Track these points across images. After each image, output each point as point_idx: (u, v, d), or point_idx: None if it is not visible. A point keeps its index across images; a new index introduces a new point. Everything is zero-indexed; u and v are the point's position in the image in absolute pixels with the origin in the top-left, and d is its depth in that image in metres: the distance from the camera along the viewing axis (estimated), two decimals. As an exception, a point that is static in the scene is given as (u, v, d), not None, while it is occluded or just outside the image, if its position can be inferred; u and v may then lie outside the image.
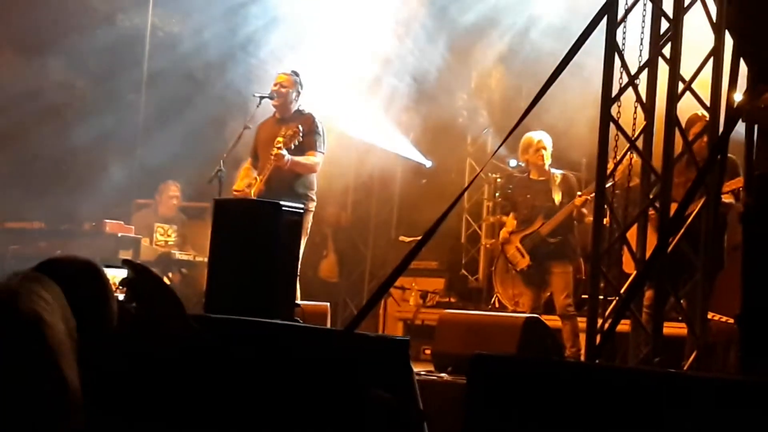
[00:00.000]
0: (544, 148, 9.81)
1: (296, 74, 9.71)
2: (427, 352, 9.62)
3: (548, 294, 10.01)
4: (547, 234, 9.77)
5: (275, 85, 9.62)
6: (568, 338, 9.37)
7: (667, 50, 7.37)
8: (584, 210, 9.61)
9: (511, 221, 10.25)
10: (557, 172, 9.91)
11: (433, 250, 12.02)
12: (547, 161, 9.85)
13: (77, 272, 2.70)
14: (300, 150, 9.31)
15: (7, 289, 2.11)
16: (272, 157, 9.19)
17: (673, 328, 8.03)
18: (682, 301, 7.45)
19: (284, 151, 9.14)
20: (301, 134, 9.19)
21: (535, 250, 9.85)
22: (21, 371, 2.02)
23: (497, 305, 11.41)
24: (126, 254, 10.79)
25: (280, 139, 9.23)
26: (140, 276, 2.83)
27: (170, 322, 2.73)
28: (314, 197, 9.46)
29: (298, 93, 9.67)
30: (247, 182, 9.54)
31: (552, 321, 9.62)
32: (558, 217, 9.74)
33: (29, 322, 2.07)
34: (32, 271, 2.24)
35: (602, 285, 7.39)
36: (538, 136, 9.88)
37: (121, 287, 2.81)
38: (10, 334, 2.04)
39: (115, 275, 2.88)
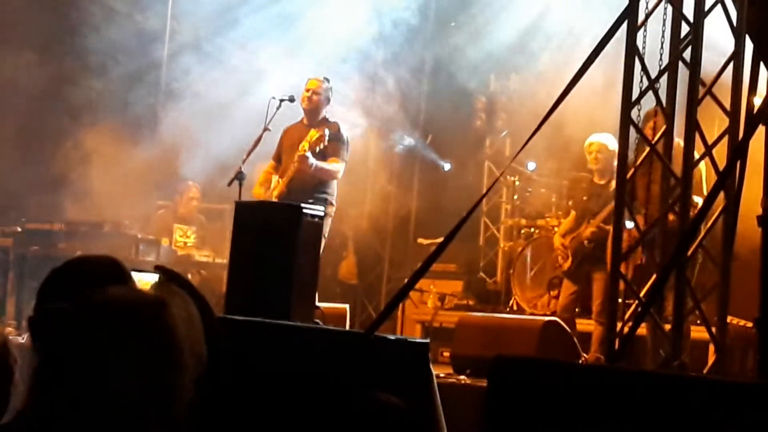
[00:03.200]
0: (599, 152, 9.72)
1: (327, 80, 9.75)
2: (446, 354, 9.63)
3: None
4: (586, 237, 9.73)
5: (307, 91, 9.64)
6: (594, 342, 9.34)
7: (687, 54, 7.37)
8: None
9: (568, 222, 10.18)
10: None
11: (451, 253, 11.99)
12: (605, 164, 9.75)
13: (101, 270, 2.74)
14: (323, 156, 9.36)
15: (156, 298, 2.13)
16: (296, 159, 9.23)
17: (693, 332, 8.03)
18: (701, 305, 7.44)
19: (309, 154, 9.19)
20: (327, 138, 9.23)
21: (575, 252, 9.81)
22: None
23: (515, 308, 11.43)
24: (145, 256, 10.84)
25: (305, 144, 9.29)
26: (171, 281, 2.84)
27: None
28: (334, 202, 9.51)
29: (329, 100, 9.72)
30: (266, 188, 9.59)
31: (582, 325, 9.69)
32: (594, 222, 9.71)
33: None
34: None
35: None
36: (592, 139, 9.80)
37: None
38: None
39: (146, 280, 2.90)
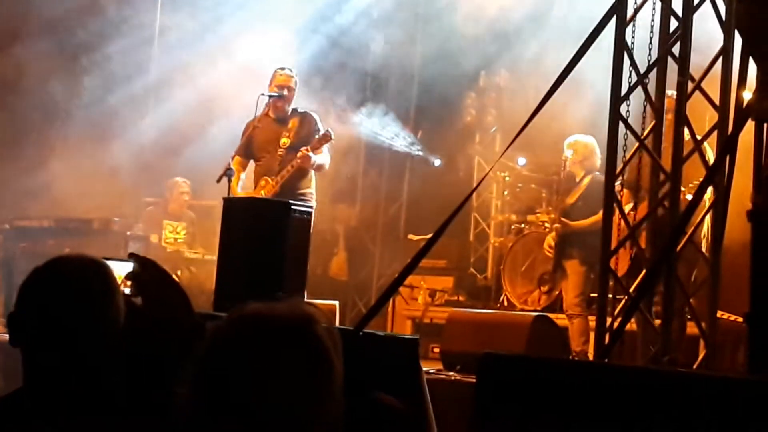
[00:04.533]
0: (566, 153, 9.78)
1: (291, 70, 9.76)
2: (436, 350, 9.62)
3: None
4: (559, 233, 9.73)
5: (282, 87, 9.59)
6: (574, 337, 9.32)
7: (676, 49, 7.36)
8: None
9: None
10: (596, 175, 9.67)
11: (442, 249, 12.00)
12: (575, 163, 9.76)
13: (84, 269, 2.71)
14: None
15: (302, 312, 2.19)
16: (299, 158, 9.23)
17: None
18: (691, 300, 7.43)
19: (311, 154, 9.22)
20: (331, 137, 9.32)
21: (556, 248, 9.82)
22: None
23: (506, 303, 11.42)
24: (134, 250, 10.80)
25: (285, 141, 9.34)
26: (146, 269, 2.82)
27: (177, 315, 2.73)
28: (315, 193, 9.52)
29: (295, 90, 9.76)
30: (243, 186, 9.57)
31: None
32: (556, 218, 9.78)
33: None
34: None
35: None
36: (566, 141, 9.87)
37: (126, 281, 2.80)
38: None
39: (121, 269, 2.88)
